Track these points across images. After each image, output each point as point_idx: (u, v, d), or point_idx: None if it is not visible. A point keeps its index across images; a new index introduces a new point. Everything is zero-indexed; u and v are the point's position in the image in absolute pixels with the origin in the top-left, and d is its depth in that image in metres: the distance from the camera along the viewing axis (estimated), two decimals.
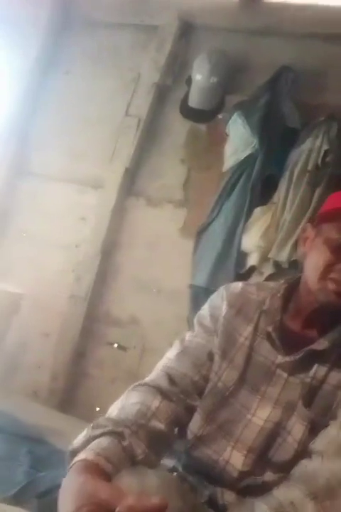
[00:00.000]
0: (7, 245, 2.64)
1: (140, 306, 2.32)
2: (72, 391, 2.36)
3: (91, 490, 0.63)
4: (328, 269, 0.85)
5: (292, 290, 0.93)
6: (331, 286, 0.84)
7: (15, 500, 1.14)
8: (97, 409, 2.27)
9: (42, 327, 2.46)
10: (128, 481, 0.70)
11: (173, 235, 2.30)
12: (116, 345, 2.34)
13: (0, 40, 2.74)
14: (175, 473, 0.92)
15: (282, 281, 0.96)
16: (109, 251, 2.42)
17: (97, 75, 2.57)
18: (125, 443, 0.75)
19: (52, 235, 2.53)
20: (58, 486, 1.24)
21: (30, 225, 2.60)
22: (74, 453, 0.74)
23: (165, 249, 2.31)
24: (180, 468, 0.94)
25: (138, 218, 2.41)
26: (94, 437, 0.75)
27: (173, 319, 2.21)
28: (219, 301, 0.97)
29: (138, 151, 2.41)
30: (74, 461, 0.72)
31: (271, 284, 1.00)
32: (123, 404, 0.85)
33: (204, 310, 0.99)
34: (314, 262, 0.87)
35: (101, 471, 0.70)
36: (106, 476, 0.70)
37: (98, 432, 0.76)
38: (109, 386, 2.30)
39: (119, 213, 2.42)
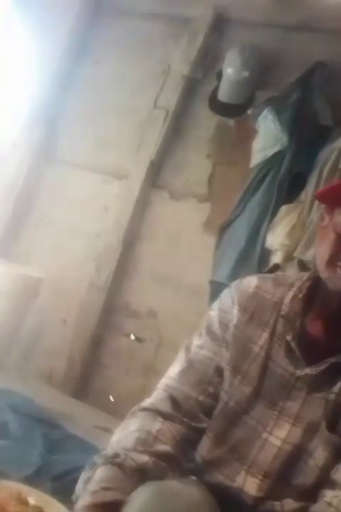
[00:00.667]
0: (30, 230, 2.67)
1: (159, 299, 2.31)
2: (87, 379, 2.37)
3: None
4: (335, 255, 0.76)
5: (316, 287, 0.82)
6: (339, 272, 0.75)
7: (30, 481, 1.14)
8: (111, 398, 2.28)
9: (61, 313, 2.48)
10: (146, 506, 0.66)
11: (196, 229, 2.28)
12: (132, 336, 2.34)
13: (31, 26, 2.76)
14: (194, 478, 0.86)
15: (306, 275, 0.85)
16: (130, 242, 2.42)
17: (127, 64, 2.57)
18: (119, 459, 0.72)
19: (75, 223, 2.55)
20: (72, 470, 1.25)
21: (53, 211, 2.62)
22: (77, 499, 0.73)
23: (186, 243, 2.30)
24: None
25: (161, 211, 2.40)
26: (91, 476, 0.73)
27: (192, 314, 2.19)
28: (229, 304, 0.87)
29: (164, 144, 2.39)
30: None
31: (291, 277, 0.88)
32: (121, 437, 0.79)
33: (214, 313, 0.90)
34: (322, 249, 0.79)
35: (104, 507, 0.68)
36: (114, 505, 0.68)
37: (92, 470, 0.74)
38: (123, 377, 2.31)
39: (142, 205, 2.42)
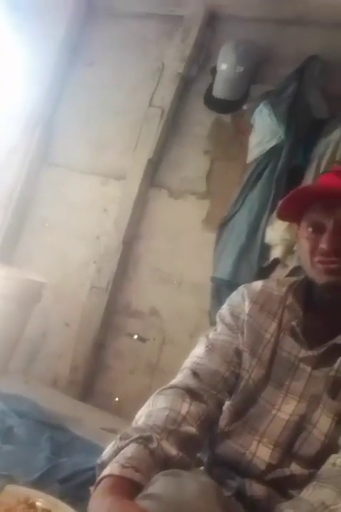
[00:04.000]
0: (30, 234, 2.67)
1: (160, 298, 2.31)
2: (91, 381, 2.37)
3: None
4: (312, 254, 0.87)
5: (311, 284, 0.92)
6: (319, 267, 0.86)
7: (38, 484, 1.15)
8: (116, 399, 2.28)
9: (63, 317, 2.48)
10: (165, 487, 0.68)
11: (196, 226, 2.28)
12: (136, 336, 2.34)
13: (25, 30, 2.77)
14: (202, 468, 0.91)
15: (303, 275, 0.95)
16: (130, 242, 2.42)
17: (121, 65, 2.57)
18: (153, 446, 0.74)
19: (75, 226, 2.55)
20: (80, 472, 1.25)
21: (53, 215, 2.63)
22: (103, 466, 0.74)
23: (187, 241, 2.30)
24: (205, 460, 0.93)
25: (160, 210, 2.40)
26: (121, 448, 0.74)
27: (194, 312, 2.20)
28: (239, 300, 0.97)
29: (162, 142, 2.39)
30: (100, 477, 0.71)
31: (292, 279, 0.99)
32: (151, 411, 0.83)
33: (224, 309, 0.99)
34: (302, 252, 0.91)
35: (129, 484, 0.69)
36: (136, 487, 0.70)
37: (125, 442, 0.75)
38: (128, 377, 2.31)
39: (141, 205, 2.42)
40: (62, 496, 1.05)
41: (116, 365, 2.36)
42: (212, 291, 2.08)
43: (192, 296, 2.23)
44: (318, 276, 0.86)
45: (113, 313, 2.41)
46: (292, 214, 0.93)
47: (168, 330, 2.27)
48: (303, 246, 0.89)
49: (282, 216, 0.97)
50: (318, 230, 0.86)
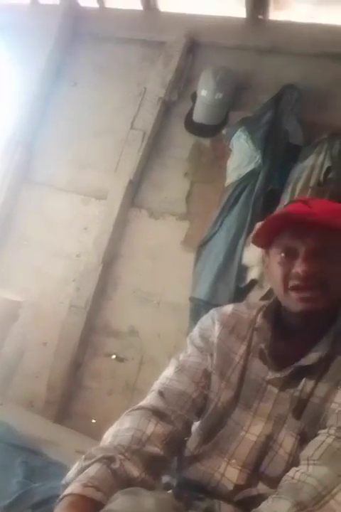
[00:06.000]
0: (8, 253, 2.65)
1: (139, 317, 2.31)
2: (68, 402, 2.34)
3: None
4: (285, 280, 0.87)
5: (280, 307, 0.94)
6: (294, 295, 0.86)
7: (10, 510, 1.12)
8: (93, 420, 2.25)
9: (41, 336, 2.45)
10: (123, 504, 0.68)
11: (175, 247, 2.30)
12: (114, 356, 2.33)
13: (9, 51, 2.79)
14: (170, 491, 0.91)
15: (272, 299, 0.97)
16: (110, 262, 2.42)
17: (104, 87, 2.61)
18: (115, 466, 0.74)
19: (54, 244, 2.54)
20: (53, 497, 1.23)
21: (32, 233, 2.61)
22: (67, 486, 0.74)
23: (166, 261, 2.32)
24: (174, 484, 0.93)
25: (140, 230, 2.41)
26: (85, 468, 0.74)
27: (173, 332, 2.20)
28: (209, 323, 0.99)
29: (143, 164, 2.43)
30: (62, 496, 0.72)
31: (261, 302, 1.02)
32: (117, 431, 0.84)
33: (195, 332, 1.01)
34: (274, 280, 0.90)
35: (89, 502, 0.70)
36: (97, 506, 0.70)
37: (88, 462, 0.75)
38: (105, 398, 2.29)
39: (122, 224, 2.43)
40: None
41: (93, 385, 2.33)
42: (190, 312, 2.10)
43: (171, 316, 2.24)
44: (293, 304, 0.87)
45: (91, 332, 2.39)
46: (263, 240, 0.94)
47: (147, 350, 2.27)
48: (275, 272, 0.89)
49: (256, 242, 0.99)
50: (291, 255, 0.87)
